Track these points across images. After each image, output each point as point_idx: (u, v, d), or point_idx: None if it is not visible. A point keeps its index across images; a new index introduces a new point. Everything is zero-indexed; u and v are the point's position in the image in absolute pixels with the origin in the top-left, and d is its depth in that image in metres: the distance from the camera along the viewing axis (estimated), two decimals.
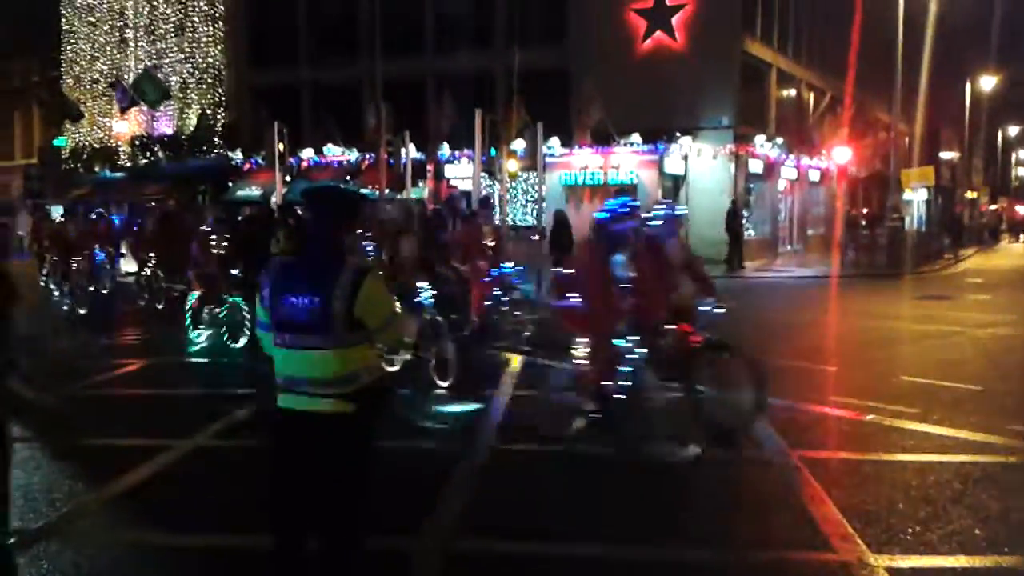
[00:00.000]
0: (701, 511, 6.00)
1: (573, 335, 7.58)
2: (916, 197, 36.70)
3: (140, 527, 5.83)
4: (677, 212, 8.26)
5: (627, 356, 7.25)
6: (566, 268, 7.63)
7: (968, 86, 49.19)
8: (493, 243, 13.88)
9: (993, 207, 67.70)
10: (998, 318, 16.27)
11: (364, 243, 14.74)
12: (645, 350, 7.28)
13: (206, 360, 12.04)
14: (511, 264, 13.65)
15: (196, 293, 12.98)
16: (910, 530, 5.53)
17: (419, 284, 9.95)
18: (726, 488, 6.52)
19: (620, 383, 7.22)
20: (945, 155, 53.59)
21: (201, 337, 12.80)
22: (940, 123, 49.48)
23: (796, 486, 6.38)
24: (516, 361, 11.28)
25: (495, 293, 13.15)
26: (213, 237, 12.80)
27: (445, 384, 9.55)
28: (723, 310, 7.61)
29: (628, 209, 7.39)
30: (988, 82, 48.29)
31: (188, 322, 13.00)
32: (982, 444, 7.48)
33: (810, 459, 7.02)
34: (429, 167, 29.73)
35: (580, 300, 7.28)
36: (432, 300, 9.94)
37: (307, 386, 3.95)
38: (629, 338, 7.27)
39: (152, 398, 9.92)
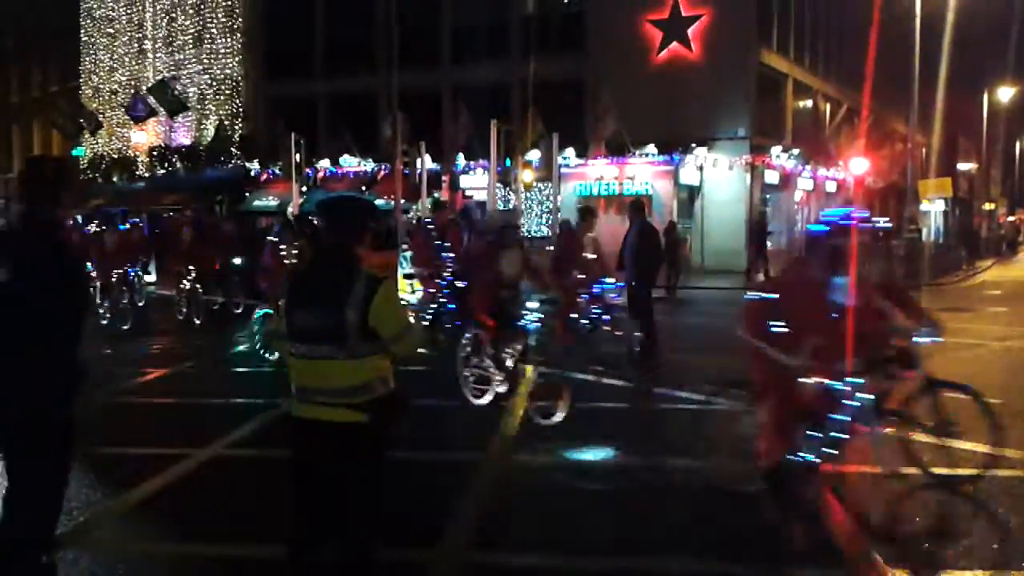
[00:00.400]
0: (716, 525, 5.97)
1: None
2: (933, 208, 36.57)
3: (156, 536, 5.86)
4: (878, 225, 7.16)
5: (846, 402, 5.95)
6: (762, 290, 6.38)
7: (986, 97, 48.99)
8: (595, 256, 12.13)
9: (1011, 218, 67.32)
10: (1017, 331, 16.15)
11: (445, 256, 13.56)
12: (871, 396, 5.99)
13: (247, 370, 12.01)
14: (612, 280, 11.97)
15: (268, 309, 11.90)
16: (927, 545, 5.49)
17: (528, 305, 9.04)
18: (739, 500, 6.49)
19: (832, 434, 6.00)
20: (963, 166, 53.32)
21: (275, 355, 11.45)
22: (957, 134, 49.25)
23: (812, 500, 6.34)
24: (530, 371, 11.25)
25: (595, 311, 11.81)
26: (283, 246, 12.01)
27: (553, 421, 8.48)
28: (941, 339, 6.53)
29: (852, 221, 6.04)
30: (1006, 93, 48.07)
31: (260, 340, 11.98)
32: (1000, 458, 7.41)
33: (825, 472, 6.98)
34: (444, 177, 29.82)
35: (786, 329, 5.80)
36: (539, 325, 9.04)
37: (321, 395, 3.98)
38: (850, 380, 5.93)
39: (182, 406, 9.97)
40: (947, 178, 35.59)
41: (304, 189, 27.94)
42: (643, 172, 30.56)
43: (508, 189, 28.71)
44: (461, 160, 31.27)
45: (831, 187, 39.17)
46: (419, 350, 4.41)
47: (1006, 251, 51.36)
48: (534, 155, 25.89)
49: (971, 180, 56.16)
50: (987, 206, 59.57)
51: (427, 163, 26.08)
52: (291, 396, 4.12)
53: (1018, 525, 5.86)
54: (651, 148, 30.03)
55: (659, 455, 7.52)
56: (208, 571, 5.33)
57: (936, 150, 38.75)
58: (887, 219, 29.24)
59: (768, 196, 33.82)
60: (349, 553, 4.07)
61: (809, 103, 37.53)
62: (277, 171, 32.51)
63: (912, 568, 5.14)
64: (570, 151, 29.65)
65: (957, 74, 36.23)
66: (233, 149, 37.59)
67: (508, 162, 25.02)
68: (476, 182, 31.59)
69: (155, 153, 39.72)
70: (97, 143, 42.31)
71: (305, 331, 3.99)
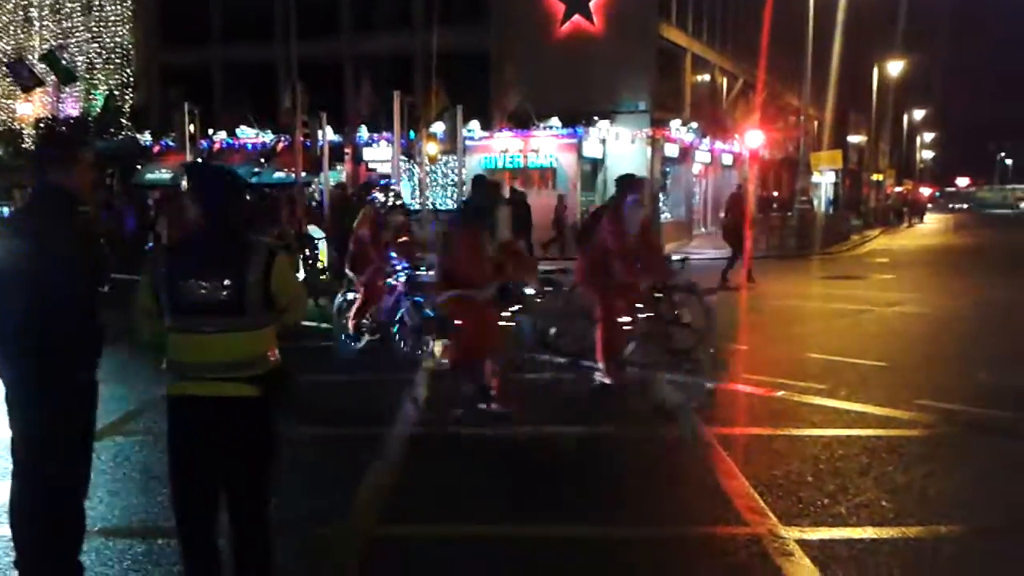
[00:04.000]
0: (616, 488, 6.08)
1: None
2: (824, 180, 37.73)
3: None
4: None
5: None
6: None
7: (876, 71, 50.61)
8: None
9: (898, 189, 69.89)
10: (903, 296, 16.82)
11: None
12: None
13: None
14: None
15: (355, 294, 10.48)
16: (819, 502, 5.69)
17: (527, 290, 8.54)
18: (640, 465, 6.62)
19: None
20: (853, 139, 55.08)
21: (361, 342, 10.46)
22: (848, 107, 50.79)
23: (709, 462, 6.51)
24: (439, 346, 11.21)
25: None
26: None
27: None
28: None
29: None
30: (895, 67, 49.72)
31: (349, 332, 10.46)
32: (888, 418, 7.73)
33: (722, 435, 7.18)
34: (347, 150, 29.36)
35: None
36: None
37: (216, 370, 3.81)
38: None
39: None
40: (838, 150, 36.78)
41: (199, 161, 27.17)
42: (547, 145, 30.65)
43: (412, 162, 28.45)
44: (364, 132, 30.84)
45: (727, 160, 40.02)
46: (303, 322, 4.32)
47: (894, 220, 53.37)
48: (438, 127, 25.69)
49: (861, 152, 58.08)
50: (876, 177, 61.70)
51: (329, 135, 25.63)
52: (170, 374, 3.90)
53: (905, 483, 6.12)
54: (555, 121, 30.13)
55: (554, 423, 7.62)
56: (110, 550, 5.19)
57: (828, 123, 39.98)
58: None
59: (668, 169, 34.35)
60: (250, 529, 3.97)
61: (707, 77, 38.17)
62: (170, 143, 31.46)
63: (804, 525, 5.32)
64: (475, 124, 29.51)
65: (849, 49, 37.37)
66: (124, 120, 36.28)
67: (412, 135, 24.79)
68: (380, 155, 31.19)
69: (42, 125, 38.04)
70: None
71: (200, 304, 3.79)
